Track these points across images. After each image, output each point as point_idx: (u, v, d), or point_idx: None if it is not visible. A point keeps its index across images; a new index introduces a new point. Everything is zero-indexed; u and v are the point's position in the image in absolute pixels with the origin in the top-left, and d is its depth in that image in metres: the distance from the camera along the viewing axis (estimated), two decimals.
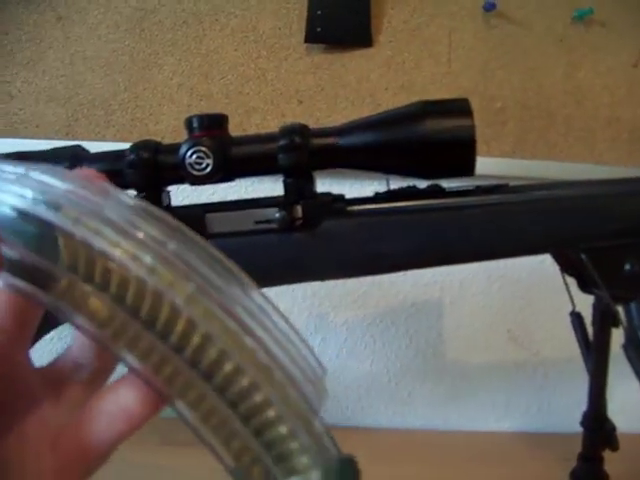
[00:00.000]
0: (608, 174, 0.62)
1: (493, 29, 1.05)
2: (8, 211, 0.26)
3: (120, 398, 0.28)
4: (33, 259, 0.26)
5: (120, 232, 0.25)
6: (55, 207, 0.25)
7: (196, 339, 0.26)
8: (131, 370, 0.27)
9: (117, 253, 0.25)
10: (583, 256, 0.60)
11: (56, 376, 0.31)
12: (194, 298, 0.26)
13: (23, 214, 0.25)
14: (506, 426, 1.17)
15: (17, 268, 0.26)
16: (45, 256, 0.26)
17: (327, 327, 1.14)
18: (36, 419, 0.29)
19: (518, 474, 0.95)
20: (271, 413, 0.26)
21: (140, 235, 0.25)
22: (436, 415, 1.17)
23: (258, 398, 0.26)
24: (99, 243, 0.25)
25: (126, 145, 0.58)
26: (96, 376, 0.31)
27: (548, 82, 1.07)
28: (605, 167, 1.06)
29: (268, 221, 0.58)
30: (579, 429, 0.84)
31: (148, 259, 0.25)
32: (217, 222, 0.59)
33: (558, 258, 0.67)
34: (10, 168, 0.27)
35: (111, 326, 0.26)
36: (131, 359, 0.26)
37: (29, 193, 0.26)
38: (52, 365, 0.32)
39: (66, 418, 0.29)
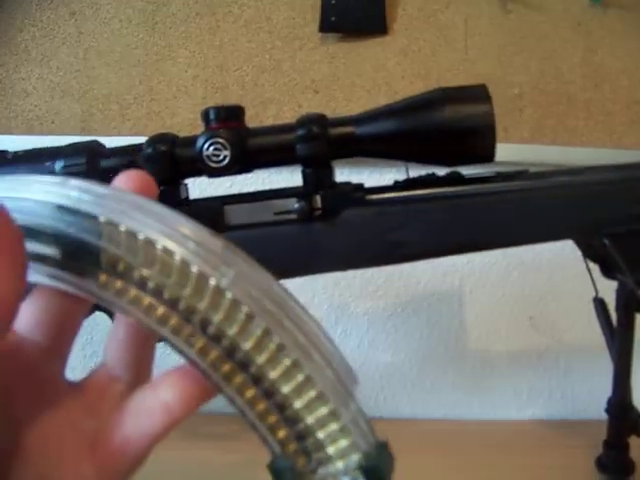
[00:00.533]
0: (628, 158, 0.61)
1: (509, 14, 1.04)
2: (50, 209, 0.26)
3: (160, 393, 0.28)
4: (77, 250, 0.26)
5: (163, 223, 0.26)
6: (98, 204, 0.26)
7: (239, 321, 0.26)
8: (179, 353, 0.27)
9: (161, 240, 0.26)
10: (606, 241, 0.59)
11: (91, 391, 0.31)
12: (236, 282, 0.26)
13: (66, 210, 0.26)
14: (529, 414, 1.17)
15: (59, 263, 0.27)
16: (89, 249, 0.26)
17: (348, 318, 1.14)
18: (72, 429, 0.29)
19: (542, 462, 0.94)
20: (313, 393, 0.26)
21: (182, 228, 0.26)
22: (458, 404, 1.17)
23: (300, 377, 0.26)
24: (145, 233, 0.26)
25: (142, 139, 0.58)
26: (131, 389, 0.31)
27: (566, 66, 1.05)
28: (625, 151, 1.05)
29: (287, 212, 0.58)
30: (603, 416, 0.84)
31: (191, 245, 0.26)
32: (236, 214, 0.58)
33: (580, 244, 0.67)
34: (48, 177, 0.27)
35: (155, 313, 0.26)
36: (179, 343, 0.27)
37: (72, 193, 0.26)
38: (86, 380, 0.32)
39: (103, 424, 0.29)
